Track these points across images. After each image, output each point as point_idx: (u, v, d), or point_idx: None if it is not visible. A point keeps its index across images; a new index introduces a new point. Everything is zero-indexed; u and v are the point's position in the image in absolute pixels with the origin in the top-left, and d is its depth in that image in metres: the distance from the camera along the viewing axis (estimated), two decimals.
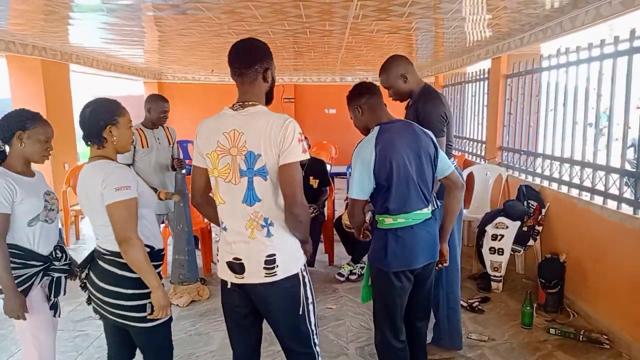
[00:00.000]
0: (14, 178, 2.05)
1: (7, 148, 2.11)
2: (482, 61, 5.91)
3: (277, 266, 1.80)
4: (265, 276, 1.79)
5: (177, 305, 3.78)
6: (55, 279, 2.20)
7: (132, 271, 1.87)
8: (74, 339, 3.29)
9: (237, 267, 1.82)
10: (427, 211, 2.23)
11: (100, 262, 1.94)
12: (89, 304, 2.04)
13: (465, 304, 3.71)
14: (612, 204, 3.31)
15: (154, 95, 3.96)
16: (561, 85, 4.13)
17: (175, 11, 3.70)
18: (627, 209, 3.18)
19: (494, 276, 4.02)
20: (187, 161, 4.07)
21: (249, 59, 1.78)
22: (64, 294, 2.25)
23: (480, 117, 6.23)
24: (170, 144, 4.00)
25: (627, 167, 3.33)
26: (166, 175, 3.94)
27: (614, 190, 3.31)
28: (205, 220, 4.85)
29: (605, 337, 3.14)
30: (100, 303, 1.94)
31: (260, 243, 1.79)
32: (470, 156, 6.49)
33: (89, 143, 1.94)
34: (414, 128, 2.24)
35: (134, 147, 3.75)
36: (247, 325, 1.98)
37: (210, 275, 4.49)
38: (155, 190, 3.65)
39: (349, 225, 3.84)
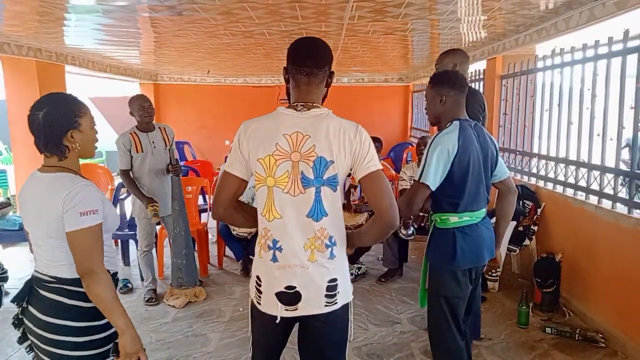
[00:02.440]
0: None
1: None
2: (478, 62, 5.93)
3: (338, 292, 1.61)
4: (326, 305, 1.59)
5: (174, 306, 3.77)
6: None
7: (86, 300, 1.57)
8: None
9: (290, 297, 1.57)
10: (485, 211, 2.26)
11: (42, 292, 1.61)
12: (21, 342, 1.70)
13: None
14: (606, 204, 3.34)
15: (133, 97, 3.77)
16: (556, 86, 4.15)
17: (171, 12, 3.69)
18: (621, 209, 3.20)
19: (490, 276, 4.03)
20: (182, 163, 4.03)
21: (322, 60, 1.63)
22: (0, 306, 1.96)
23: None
24: (167, 145, 3.87)
25: (622, 167, 3.35)
26: (162, 179, 3.84)
27: (608, 190, 3.33)
28: (203, 221, 4.90)
29: (601, 335, 3.16)
30: (37, 342, 1.61)
31: (320, 266, 1.57)
32: None
33: (46, 154, 1.62)
34: (484, 131, 2.27)
35: (130, 153, 3.65)
36: (278, 352, 1.82)
37: (207, 276, 4.49)
38: (152, 200, 3.65)
39: (349, 227, 3.81)
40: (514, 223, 4.02)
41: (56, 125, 1.57)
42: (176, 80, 9.87)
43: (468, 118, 2.24)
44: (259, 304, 1.65)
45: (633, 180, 3.10)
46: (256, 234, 1.67)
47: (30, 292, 1.64)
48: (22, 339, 1.69)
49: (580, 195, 3.66)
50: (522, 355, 3.04)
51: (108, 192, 5.84)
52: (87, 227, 1.54)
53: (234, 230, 4.33)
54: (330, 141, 1.53)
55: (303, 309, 1.59)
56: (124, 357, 1.55)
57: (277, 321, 1.59)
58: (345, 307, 1.65)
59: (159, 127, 3.90)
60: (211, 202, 1.64)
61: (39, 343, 1.61)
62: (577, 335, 3.18)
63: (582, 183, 3.66)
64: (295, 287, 1.56)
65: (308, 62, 1.60)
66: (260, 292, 1.63)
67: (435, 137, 2.15)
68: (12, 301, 1.68)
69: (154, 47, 5.81)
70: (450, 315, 2.20)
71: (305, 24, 4.15)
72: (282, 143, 1.54)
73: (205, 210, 5.24)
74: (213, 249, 4.96)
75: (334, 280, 1.59)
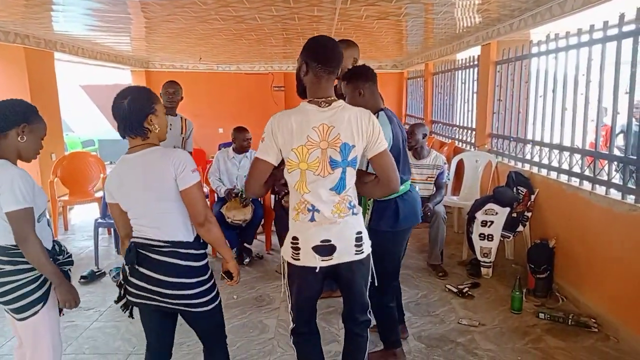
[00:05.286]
0: None
1: None
2: (472, 48, 5.89)
3: (364, 243, 1.98)
4: (356, 253, 1.95)
5: None
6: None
7: (196, 260, 1.89)
8: (63, 329, 3.24)
9: (326, 249, 1.90)
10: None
11: (153, 255, 1.85)
12: (118, 301, 1.97)
13: (455, 290, 3.74)
14: (600, 190, 3.33)
15: (166, 82, 4.14)
16: (551, 72, 4.13)
17: None
18: (615, 194, 3.20)
19: (484, 262, 4.04)
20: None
21: (340, 60, 1.93)
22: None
23: (470, 105, 6.23)
24: (182, 133, 4.12)
25: (616, 152, 3.34)
26: None
27: (603, 176, 3.33)
28: None
29: (594, 320, 3.17)
30: (152, 295, 1.86)
31: (347, 223, 1.92)
32: (460, 143, 6.49)
33: (131, 136, 1.84)
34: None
35: None
36: (316, 301, 2.13)
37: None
38: None
39: (237, 220, 4.30)
40: (508, 209, 4.02)
41: (138, 110, 1.81)
42: (168, 67, 9.74)
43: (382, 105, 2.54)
44: (297, 259, 1.95)
45: (627, 166, 3.10)
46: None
47: (137, 255, 1.86)
48: (119, 298, 1.97)
49: (574, 182, 3.65)
50: (515, 340, 3.05)
51: (100, 180, 5.79)
52: (198, 181, 1.83)
53: (228, 218, 4.31)
54: (352, 129, 1.85)
55: (337, 259, 1.93)
56: (237, 275, 2.03)
57: (317, 270, 1.91)
58: (369, 256, 2.03)
59: (181, 117, 4.19)
60: (245, 183, 2.02)
61: (154, 296, 1.86)
62: (570, 320, 3.20)
63: (577, 169, 3.65)
64: (330, 240, 1.90)
65: (333, 63, 1.89)
66: (297, 249, 1.94)
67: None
68: (125, 264, 1.90)
69: (144, 33, 5.71)
70: (392, 272, 2.66)
71: (297, 8, 4.09)
72: (312, 135, 1.83)
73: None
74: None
75: (360, 232, 1.96)
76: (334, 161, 1.86)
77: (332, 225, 1.90)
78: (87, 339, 3.14)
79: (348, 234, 1.93)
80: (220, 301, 2.04)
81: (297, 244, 1.94)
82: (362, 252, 1.98)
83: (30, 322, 1.98)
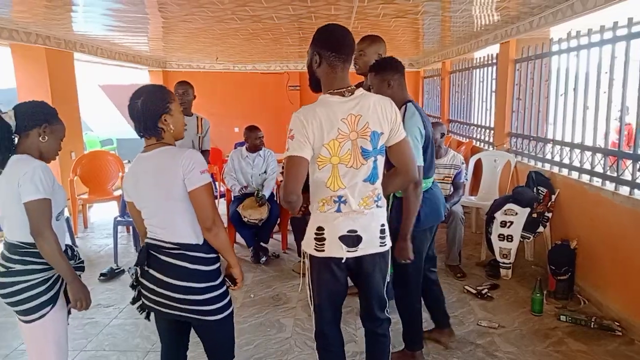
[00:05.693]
0: None
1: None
2: (490, 46, 5.81)
3: (386, 236, 1.97)
4: (380, 245, 1.93)
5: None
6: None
7: (205, 264, 1.82)
8: (84, 326, 3.30)
9: (352, 239, 1.86)
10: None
11: (162, 257, 1.81)
12: (134, 303, 1.95)
13: (474, 291, 3.69)
14: (624, 190, 3.26)
15: (176, 83, 4.13)
16: (572, 70, 4.05)
17: None
18: (639, 195, 3.12)
19: (503, 263, 3.98)
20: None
21: (352, 47, 1.86)
22: None
23: (488, 103, 6.15)
24: (198, 132, 4.14)
25: None
26: None
27: (626, 176, 3.25)
28: None
29: (617, 324, 3.11)
30: (161, 299, 1.83)
31: (373, 214, 1.90)
32: (478, 142, 6.42)
33: (146, 136, 1.83)
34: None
35: None
36: (342, 299, 2.07)
37: None
38: None
39: (254, 219, 4.33)
40: (528, 210, 3.95)
41: (152, 110, 1.78)
42: (185, 67, 9.82)
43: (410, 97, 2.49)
44: (322, 251, 1.89)
45: None
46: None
47: (148, 256, 1.83)
48: (135, 300, 1.94)
49: (597, 182, 3.58)
50: (536, 343, 3.00)
51: (119, 179, 5.86)
52: (207, 182, 1.77)
53: (245, 217, 4.32)
54: (378, 116, 1.82)
55: (362, 250, 1.89)
56: (241, 280, 1.95)
57: (343, 261, 1.88)
58: (389, 251, 2.01)
59: (197, 116, 4.19)
60: (281, 189, 1.81)
61: (158, 298, 1.83)
62: (592, 323, 3.13)
63: (599, 169, 3.58)
64: (356, 231, 1.86)
65: (347, 50, 1.82)
66: (322, 239, 1.88)
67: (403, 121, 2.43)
68: (135, 265, 1.87)
69: (162, 33, 5.76)
70: (417, 272, 2.60)
71: (314, 7, 4.08)
72: (342, 127, 1.77)
73: (214, 197, 5.23)
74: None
75: (383, 225, 1.95)
76: (366, 151, 1.81)
77: (358, 216, 1.86)
78: (107, 336, 3.18)
79: (374, 225, 1.90)
80: (232, 313, 1.95)
81: (322, 234, 1.88)
82: (385, 245, 1.96)
83: (36, 325, 1.92)
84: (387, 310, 2.11)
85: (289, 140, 1.78)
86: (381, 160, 1.89)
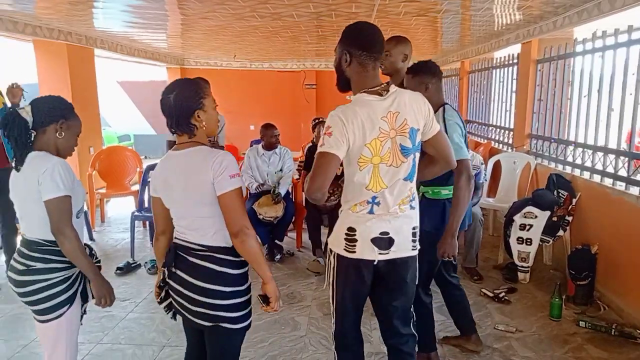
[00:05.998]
0: None
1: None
2: (511, 46, 5.72)
3: (417, 239, 1.91)
4: (412, 249, 1.89)
5: None
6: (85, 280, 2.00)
7: (232, 267, 1.76)
8: (100, 319, 3.33)
9: (385, 242, 1.82)
10: None
11: (191, 259, 1.76)
12: (161, 303, 1.92)
13: (491, 294, 3.64)
14: None
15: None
16: (596, 71, 3.96)
17: None
18: None
19: (521, 267, 3.92)
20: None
21: (382, 45, 1.83)
22: (92, 298, 2.03)
23: (507, 104, 6.06)
24: None
25: None
26: None
27: None
28: None
29: (639, 331, 3.03)
30: (185, 303, 1.78)
31: (406, 216, 1.86)
32: (496, 144, 6.33)
33: (178, 132, 1.76)
34: None
35: None
36: (364, 301, 2.00)
37: None
38: None
39: (269, 217, 4.33)
40: (548, 213, 3.88)
41: (184, 106, 1.71)
42: (202, 64, 9.87)
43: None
44: (352, 252, 1.83)
45: None
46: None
47: (176, 257, 1.79)
48: (162, 299, 1.91)
49: (620, 186, 3.50)
50: (555, 348, 2.95)
51: (136, 174, 5.91)
52: (236, 188, 1.69)
53: (260, 214, 4.32)
54: (414, 112, 1.78)
55: (394, 253, 1.84)
56: (275, 301, 1.81)
57: (375, 263, 1.83)
58: (417, 255, 1.94)
59: None
60: (307, 183, 1.74)
61: (186, 303, 1.78)
62: (613, 330, 3.06)
63: (622, 172, 3.50)
64: (389, 233, 1.81)
65: (377, 48, 1.78)
66: (354, 241, 1.82)
67: (443, 113, 2.41)
68: (162, 266, 1.85)
69: (181, 30, 5.80)
70: (425, 278, 2.51)
71: (335, 4, 4.06)
72: (383, 125, 1.73)
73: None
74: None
75: (415, 227, 1.89)
76: (405, 148, 1.77)
77: (392, 217, 1.81)
78: (123, 330, 3.20)
79: (406, 228, 1.85)
80: (248, 326, 1.87)
81: (354, 235, 1.82)
82: (416, 249, 1.91)
83: (52, 324, 1.90)
84: (413, 325, 2.01)
85: (325, 137, 1.71)
86: (417, 156, 1.85)
